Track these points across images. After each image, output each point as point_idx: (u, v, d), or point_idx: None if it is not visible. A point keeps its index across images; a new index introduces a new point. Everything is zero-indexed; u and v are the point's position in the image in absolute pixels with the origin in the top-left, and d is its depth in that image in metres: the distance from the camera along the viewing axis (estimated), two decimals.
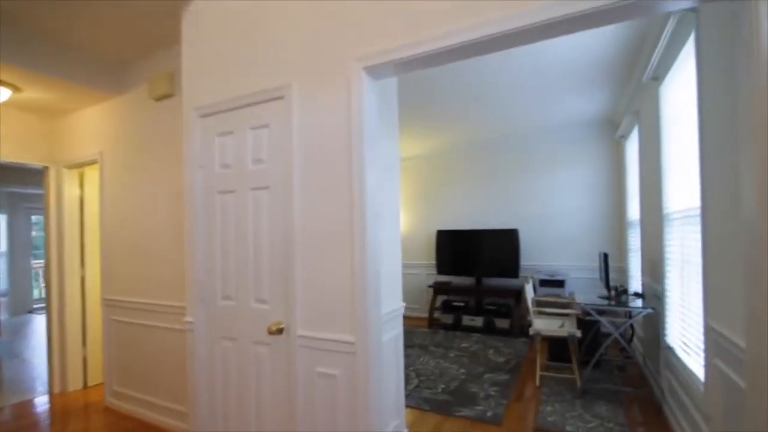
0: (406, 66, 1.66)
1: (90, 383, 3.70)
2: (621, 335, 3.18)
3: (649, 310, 2.93)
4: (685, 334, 2.57)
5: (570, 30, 1.40)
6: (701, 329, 2.27)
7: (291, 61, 1.89)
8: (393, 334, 2.36)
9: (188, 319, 2.19)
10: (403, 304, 2.54)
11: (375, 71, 1.71)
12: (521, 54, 3.19)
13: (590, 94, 4.04)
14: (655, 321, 3.07)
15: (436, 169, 6.22)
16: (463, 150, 5.96)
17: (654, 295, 3.17)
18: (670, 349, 2.73)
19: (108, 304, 3.24)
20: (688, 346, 2.51)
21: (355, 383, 1.68)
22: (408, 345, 4.73)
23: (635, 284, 4.24)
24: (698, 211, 2.23)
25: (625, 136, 4.55)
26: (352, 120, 1.70)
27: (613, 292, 3.34)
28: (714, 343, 1.85)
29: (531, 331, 3.44)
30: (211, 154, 2.12)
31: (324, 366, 1.76)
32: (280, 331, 1.87)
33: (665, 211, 2.82)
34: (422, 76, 3.65)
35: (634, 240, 4.34)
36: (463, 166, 6.00)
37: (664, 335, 2.85)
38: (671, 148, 2.70)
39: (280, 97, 1.89)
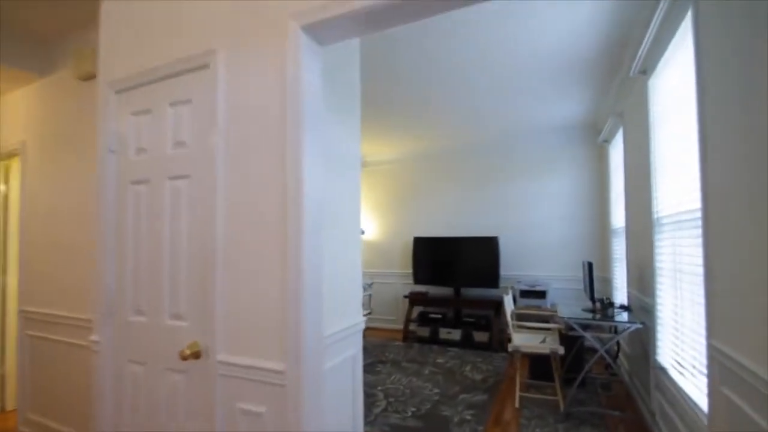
0: (359, 23, 1.33)
1: (9, 407, 3.21)
2: (607, 352, 2.90)
3: (638, 325, 2.66)
4: (679, 353, 2.29)
5: None
6: (700, 349, 1.98)
7: (217, 21, 1.55)
8: (348, 355, 2.01)
9: (94, 337, 1.78)
10: (364, 318, 2.20)
11: (317, 32, 1.38)
12: (497, 50, 2.94)
13: (571, 95, 3.82)
14: (644, 337, 2.80)
15: (413, 173, 5.92)
16: (441, 154, 5.69)
17: (642, 308, 2.90)
18: (661, 369, 2.45)
19: (25, 317, 2.78)
20: (683, 367, 2.23)
21: (285, 424, 1.31)
22: (379, 361, 4.35)
23: (620, 296, 3.99)
24: (696, 214, 1.96)
25: (608, 141, 4.34)
26: (288, 94, 1.37)
27: (598, 305, 3.06)
28: (720, 367, 1.56)
29: (510, 348, 3.13)
30: (125, 136, 1.75)
31: (248, 401, 1.39)
32: (197, 354, 1.49)
33: (655, 216, 2.57)
34: (394, 73, 3.36)
35: (619, 248, 4.11)
36: (441, 171, 5.72)
37: (654, 353, 2.57)
38: (662, 147, 2.45)
39: (204, 66, 1.54)
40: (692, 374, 2.14)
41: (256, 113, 1.45)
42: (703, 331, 1.95)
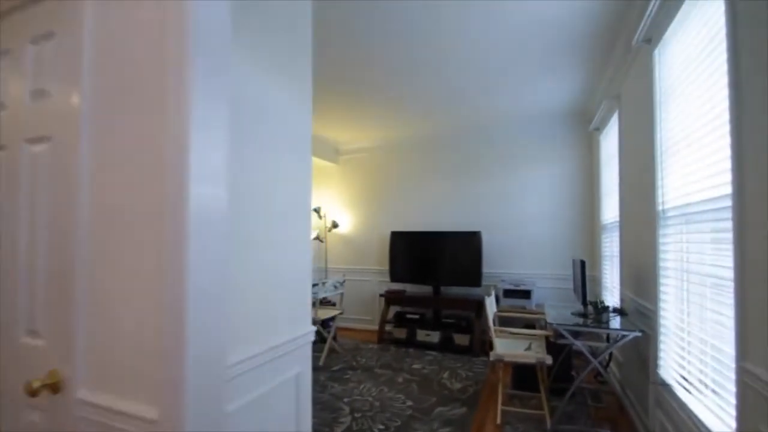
0: None
1: None
2: (603, 363, 2.56)
3: (637, 334, 2.32)
4: (687, 368, 1.96)
5: None
6: (713, 364, 1.65)
7: None
8: (290, 375, 1.61)
9: None
10: (313, 329, 1.80)
11: None
12: (479, 22, 2.56)
13: (561, 76, 3.46)
14: (642, 346, 2.47)
15: (391, 163, 5.51)
16: (420, 143, 5.29)
17: (639, 313, 2.57)
18: (665, 385, 2.11)
19: None
20: (692, 384, 1.90)
21: None
22: (350, 367, 3.95)
23: (611, 297, 3.68)
24: (713, 205, 1.61)
25: (599, 129, 4.02)
26: (173, 28, 0.93)
27: (590, 309, 2.72)
28: (755, 396, 1.21)
29: (492, 356, 2.76)
30: None
31: None
32: (54, 387, 1.06)
33: (659, 208, 2.22)
34: (367, 52, 2.95)
35: (609, 245, 3.79)
36: (420, 161, 5.33)
37: (656, 366, 2.24)
38: (671, 128, 2.10)
39: None
40: (702, 393, 1.81)
41: (134, 54, 1.01)
42: (717, 344, 1.61)
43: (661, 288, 2.22)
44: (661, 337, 2.22)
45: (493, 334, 2.81)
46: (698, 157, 1.80)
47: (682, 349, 2.04)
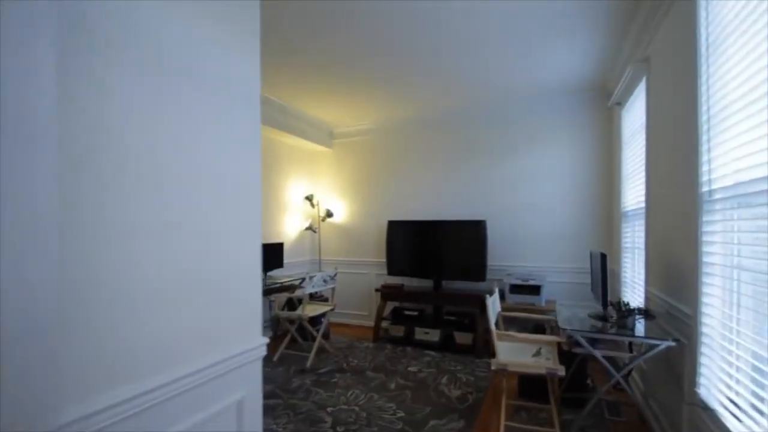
0: None
1: None
2: (620, 370, 2.16)
3: (670, 344, 1.90)
4: (737, 389, 1.55)
5: None
6: None
7: None
8: (229, 402, 1.25)
9: None
10: (265, 340, 1.44)
11: None
12: None
13: (575, 44, 2.99)
14: (675, 356, 2.05)
15: (388, 147, 5.09)
16: (420, 125, 4.85)
17: (671, 316, 2.15)
18: (706, 409, 1.70)
19: None
20: (744, 412, 1.49)
21: None
22: (339, 369, 3.60)
23: (631, 294, 3.25)
24: None
25: (621, 103, 3.54)
26: None
27: (611, 310, 2.30)
28: None
29: (494, 365, 2.37)
30: None
31: None
32: None
33: (703, 190, 1.78)
34: (360, 24, 2.52)
35: (631, 235, 3.35)
36: (420, 144, 4.89)
37: (693, 383, 1.82)
38: (723, 85, 1.65)
39: None
40: (758, 424, 1.40)
41: None
42: None
43: (704, 288, 1.79)
44: (702, 349, 1.80)
45: (495, 338, 2.41)
46: (759, 122, 1.36)
47: (730, 365, 1.62)
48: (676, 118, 2.11)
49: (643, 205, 2.93)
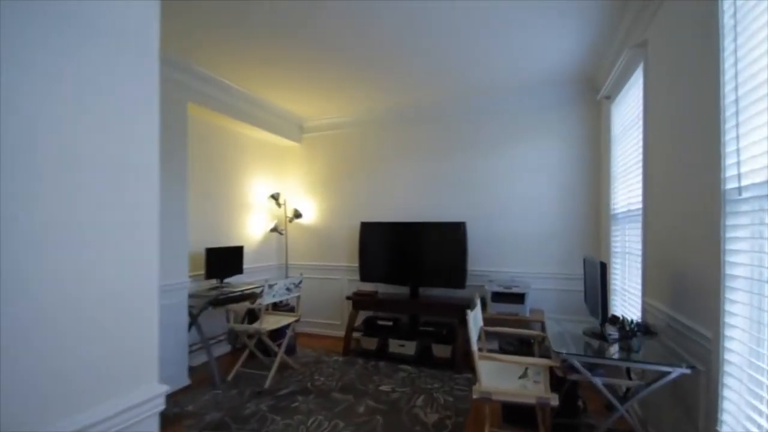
0: None
1: None
2: (620, 395, 1.85)
3: (684, 371, 1.59)
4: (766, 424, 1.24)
5: None
6: None
7: None
8: None
9: None
10: (161, 391, 1.03)
11: None
12: None
13: (563, 29, 2.70)
14: (688, 385, 1.74)
15: (362, 142, 4.71)
16: (396, 118, 4.49)
17: (677, 334, 1.85)
18: None
19: None
20: None
21: None
22: (302, 390, 3.19)
23: (622, 304, 2.98)
24: None
25: (612, 96, 3.27)
26: None
27: (612, 328, 1.99)
28: None
29: (476, 393, 2.02)
30: None
31: None
32: None
33: (728, 186, 1.48)
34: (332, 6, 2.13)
35: (622, 240, 3.08)
36: (396, 139, 4.54)
37: (714, 420, 1.52)
38: (757, 58, 1.34)
39: None
40: None
41: None
42: None
43: (727, 306, 1.49)
44: (725, 379, 1.49)
45: (476, 359, 2.06)
46: None
47: (761, 399, 1.32)
48: (685, 105, 1.82)
49: (636, 206, 2.66)
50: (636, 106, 2.65)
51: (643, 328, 2.08)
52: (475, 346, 2.04)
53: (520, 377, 2.22)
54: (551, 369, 2.02)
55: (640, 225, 2.52)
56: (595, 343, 1.96)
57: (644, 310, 2.39)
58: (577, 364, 1.70)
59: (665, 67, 2.08)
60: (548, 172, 3.90)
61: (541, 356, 2.54)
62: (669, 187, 2.02)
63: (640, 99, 2.49)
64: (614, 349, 1.87)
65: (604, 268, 1.92)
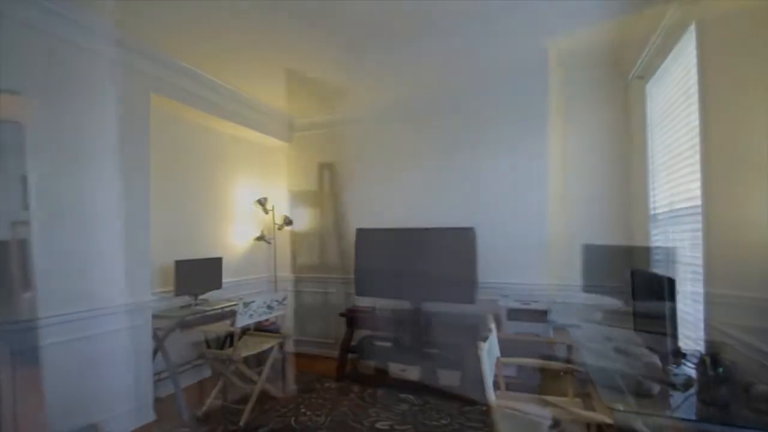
0: None
1: None
2: None
3: None
4: None
5: None
6: None
7: None
8: None
9: None
10: None
11: None
12: None
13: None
14: None
15: (357, 140, 4.25)
16: (396, 113, 4.02)
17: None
18: None
19: None
20: None
21: None
22: (283, 428, 2.69)
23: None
24: None
25: (644, 77, 2.77)
26: None
27: (675, 367, 1.47)
28: None
29: None
30: None
31: None
32: None
33: None
34: None
35: (665, 245, 2.55)
36: (396, 137, 4.06)
37: None
38: None
39: None
40: None
41: None
42: None
43: None
44: None
45: (494, 413, 1.55)
46: None
47: None
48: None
49: (687, 204, 2.15)
50: (680, 86, 2.15)
51: (714, 359, 1.55)
52: (491, 394, 1.53)
53: (550, 427, 1.70)
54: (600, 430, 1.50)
55: (691, 227, 2.00)
56: (654, 386, 1.44)
57: (707, 335, 1.86)
58: (642, 428, 1.18)
59: (736, 19, 1.58)
60: (568, 169, 3.38)
61: (574, 392, 2.01)
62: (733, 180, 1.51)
63: (694, 68, 1.98)
64: (680, 398, 1.35)
65: (672, 286, 1.40)
